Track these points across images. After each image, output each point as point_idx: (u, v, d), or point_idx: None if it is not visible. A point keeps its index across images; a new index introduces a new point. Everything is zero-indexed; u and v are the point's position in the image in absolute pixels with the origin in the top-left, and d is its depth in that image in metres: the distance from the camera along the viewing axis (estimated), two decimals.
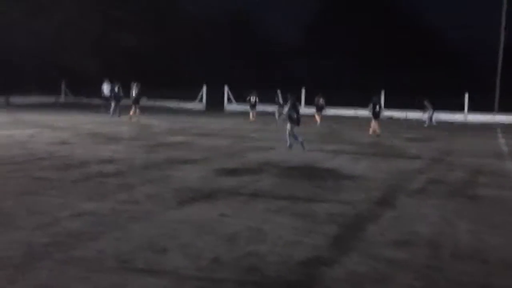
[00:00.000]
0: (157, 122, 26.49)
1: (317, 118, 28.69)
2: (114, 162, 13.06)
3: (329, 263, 6.10)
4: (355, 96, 34.21)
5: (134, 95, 27.54)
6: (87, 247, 6.38)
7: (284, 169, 12.79)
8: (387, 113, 34.09)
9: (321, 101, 29.50)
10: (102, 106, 33.30)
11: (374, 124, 23.37)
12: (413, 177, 12.32)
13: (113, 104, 29.62)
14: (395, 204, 9.32)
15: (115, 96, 29.81)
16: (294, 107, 17.27)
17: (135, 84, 27.72)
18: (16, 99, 39.11)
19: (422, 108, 30.95)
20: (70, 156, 13.84)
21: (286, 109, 17.86)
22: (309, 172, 12.52)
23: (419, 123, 30.01)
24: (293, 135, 17.12)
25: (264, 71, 44.39)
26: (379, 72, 39.77)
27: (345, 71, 42.90)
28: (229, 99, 41.48)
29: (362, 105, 36.78)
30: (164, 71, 42.65)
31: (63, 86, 45.44)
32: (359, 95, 33.02)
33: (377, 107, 23.67)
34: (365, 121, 31.13)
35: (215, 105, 40.31)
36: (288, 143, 17.25)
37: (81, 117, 28.81)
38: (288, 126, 17.21)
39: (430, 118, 30.30)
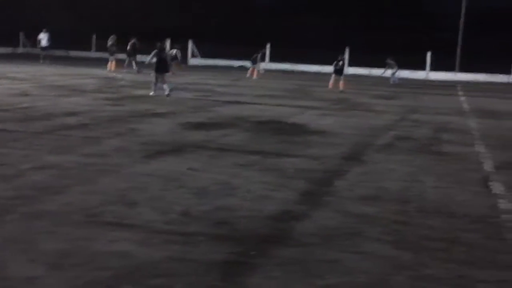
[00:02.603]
0: (121, 75, 26.03)
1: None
2: (78, 114, 12.82)
3: (299, 218, 6.10)
4: (322, 53, 34.17)
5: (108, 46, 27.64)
6: (53, 201, 6.24)
7: (252, 124, 12.73)
8: (351, 70, 34.20)
9: None
10: (41, 57, 33.04)
11: (334, 79, 23.87)
12: (380, 133, 12.41)
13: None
14: (363, 160, 9.37)
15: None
16: (159, 55, 18.01)
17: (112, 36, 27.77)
18: None
19: (385, 66, 30.96)
20: (32, 108, 13.53)
21: (149, 58, 18.86)
22: (277, 127, 12.50)
23: (383, 80, 30.10)
24: (155, 84, 17.81)
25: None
26: (346, 30, 39.66)
27: (312, 29, 42.62)
28: (193, 54, 40.94)
29: (329, 62, 36.91)
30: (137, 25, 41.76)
31: (21, 37, 44.25)
32: (326, 53, 32.94)
33: (340, 63, 23.79)
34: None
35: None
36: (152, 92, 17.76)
37: (43, 68, 28.13)
38: (152, 74, 18.02)
39: (393, 76, 30.42)
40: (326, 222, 6.01)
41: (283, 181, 7.64)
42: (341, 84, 23.33)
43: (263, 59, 33.79)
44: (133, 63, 28.49)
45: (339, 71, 23.79)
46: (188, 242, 5.20)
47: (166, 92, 17.54)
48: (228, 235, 5.47)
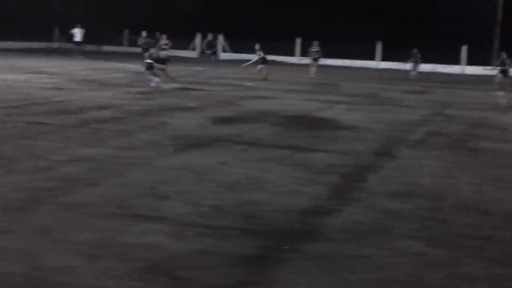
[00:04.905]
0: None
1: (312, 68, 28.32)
2: (110, 108, 12.93)
3: (330, 213, 6.07)
4: (349, 47, 33.99)
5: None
6: (88, 192, 6.32)
7: (281, 118, 12.70)
8: (382, 65, 33.83)
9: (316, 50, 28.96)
10: (75, 51, 33.30)
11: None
12: (412, 128, 12.27)
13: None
14: (395, 155, 9.28)
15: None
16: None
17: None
18: (8, 44, 38.57)
19: (410, 58, 30.25)
20: (66, 102, 13.69)
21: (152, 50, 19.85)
22: (306, 122, 12.45)
23: (420, 75, 29.62)
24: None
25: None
26: (376, 23, 39.22)
27: (339, 22, 42.22)
28: (223, 48, 41.00)
29: (357, 57, 36.68)
30: (161, 19, 41.99)
31: (56, 32, 44.78)
32: (354, 47, 32.84)
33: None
34: (360, 72, 31.09)
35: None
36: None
37: (76, 63, 28.43)
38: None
39: (414, 68, 29.84)
40: (358, 217, 5.96)
41: (313, 176, 7.60)
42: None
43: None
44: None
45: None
46: (219, 235, 5.21)
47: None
48: (259, 229, 5.46)
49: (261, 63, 24.36)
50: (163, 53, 27.71)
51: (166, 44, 29.38)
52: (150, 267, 4.46)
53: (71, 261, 4.47)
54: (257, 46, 25.17)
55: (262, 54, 24.84)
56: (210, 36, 29.99)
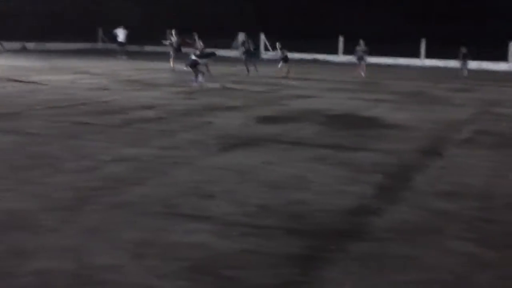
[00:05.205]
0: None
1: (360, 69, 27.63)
2: (153, 108, 13.05)
3: (376, 212, 5.99)
4: (393, 45, 33.54)
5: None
6: (133, 192, 6.38)
7: (325, 117, 12.62)
8: (427, 62, 33.35)
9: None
10: (119, 52, 33.66)
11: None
12: (459, 127, 12.03)
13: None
14: (442, 154, 9.11)
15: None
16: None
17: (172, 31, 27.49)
18: (54, 45, 39.41)
19: (460, 56, 29.74)
20: (111, 102, 13.88)
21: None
22: (350, 121, 12.34)
23: (460, 72, 29.11)
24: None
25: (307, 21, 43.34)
26: (421, 21, 38.68)
27: (383, 20, 41.74)
28: (266, 47, 40.97)
29: (402, 54, 36.19)
30: (202, 19, 42.21)
31: (100, 33, 45.47)
32: (398, 44, 32.34)
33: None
34: (405, 70, 30.69)
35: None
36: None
37: (120, 63, 28.81)
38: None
39: (464, 67, 29.26)
40: (404, 217, 5.87)
41: (358, 175, 7.52)
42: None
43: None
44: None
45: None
46: (265, 235, 5.19)
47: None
48: (304, 229, 5.43)
49: (282, 61, 24.24)
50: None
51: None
52: (196, 266, 4.47)
53: (117, 260, 4.52)
54: (278, 45, 25.05)
55: (285, 53, 24.86)
56: (241, 35, 29.31)
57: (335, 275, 4.43)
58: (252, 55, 25.82)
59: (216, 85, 18.47)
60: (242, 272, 4.41)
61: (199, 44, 25.32)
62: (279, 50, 25.09)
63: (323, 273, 4.46)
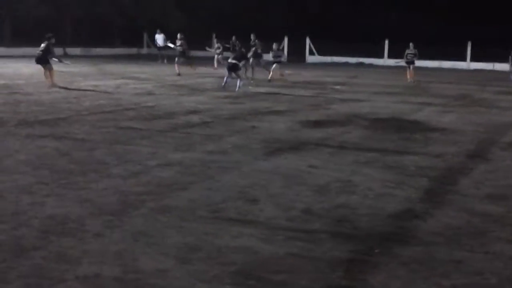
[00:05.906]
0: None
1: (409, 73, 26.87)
2: (199, 112, 13.19)
3: (422, 216, 5.95)
4: (438, 48, 33.08)
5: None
6: (179, 197, 6.46)
7: (371, 121, 12.55)
8: (473, 65, 32.69)
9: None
10: (159, 56, 34.08)
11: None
12: (506, 130, 11.82)
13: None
14: (488, 158, 8.97)
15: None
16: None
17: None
18: (100, 51, 40.18)
19: (510, 59, 29.04)
20: (156, 107, 14.07)
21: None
22: (395, 124, 12.24)
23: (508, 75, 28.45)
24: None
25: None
26: (467, 24, 38.02)
27: (428, 23, 41.15)
28: (311, 51, 40.91)
29: (447, 58, 35.66)
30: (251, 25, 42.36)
31: (145, 38, 46.08)
32: (444, 47, 31.85)
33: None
34: (451, 73, 30.19)
35: (296, 56, 39.87)
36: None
37: (163, 68, 29.14)
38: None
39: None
40: (451, 221, 5.81)
41: (404, 179, 7.47)
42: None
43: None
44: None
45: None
46: (310, 239, 5.21)
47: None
48: (350, 233, 5.43)
49: (274, 63, 23.57)
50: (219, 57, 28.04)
51: (218, 48, 29.38)
52: (241, 270, 4.52)
53: (163, 264, 4.59)
54: (274, 46, 24.72)
55: (281, 54, 24.94)
56: (253, 36, 27.99)
57: (382, 279, 4.42)
58: (259, 57, 24.83)
59: (259, 90, 18.52)
60: (287, 276, 4.44)
61: (237, 45, 25.40)
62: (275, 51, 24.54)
63: (369, 277, 4.45)
